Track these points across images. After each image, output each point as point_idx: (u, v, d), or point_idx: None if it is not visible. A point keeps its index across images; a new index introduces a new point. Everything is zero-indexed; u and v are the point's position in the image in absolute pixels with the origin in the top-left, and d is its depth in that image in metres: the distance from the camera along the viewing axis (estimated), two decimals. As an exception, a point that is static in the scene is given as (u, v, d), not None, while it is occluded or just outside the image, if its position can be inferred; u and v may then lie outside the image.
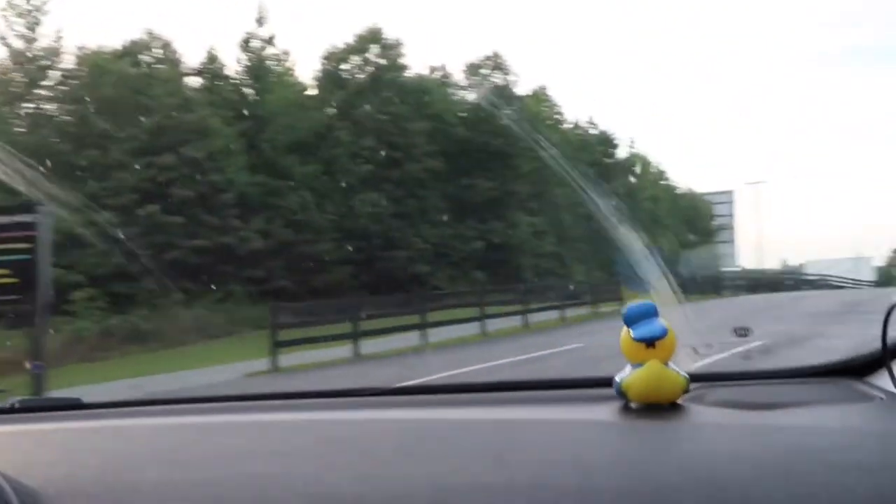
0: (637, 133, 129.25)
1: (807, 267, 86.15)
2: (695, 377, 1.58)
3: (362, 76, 38.07)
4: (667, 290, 2.09)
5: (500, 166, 43.05)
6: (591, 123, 52.09)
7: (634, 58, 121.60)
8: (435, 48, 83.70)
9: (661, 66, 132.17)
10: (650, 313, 1.52)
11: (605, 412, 1.52)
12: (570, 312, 24.86)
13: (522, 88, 47.22)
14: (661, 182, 60.05)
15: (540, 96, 49.29)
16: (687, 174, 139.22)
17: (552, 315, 23.83)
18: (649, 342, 1.50)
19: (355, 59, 38.35)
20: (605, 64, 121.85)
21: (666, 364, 1.51)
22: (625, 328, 1.53)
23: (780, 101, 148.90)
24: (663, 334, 1.50)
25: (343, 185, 36.17)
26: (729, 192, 64.91)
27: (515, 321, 21.99)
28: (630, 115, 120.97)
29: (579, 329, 20.51)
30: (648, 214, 53.62)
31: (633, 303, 1.55)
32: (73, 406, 2.00)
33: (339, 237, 34.97)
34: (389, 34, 38.88)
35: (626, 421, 1.49)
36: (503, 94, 43.50)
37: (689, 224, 59.26)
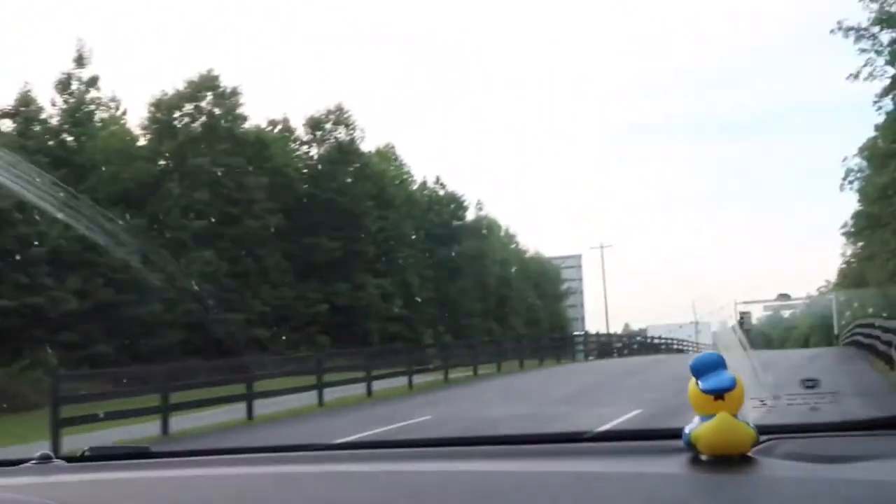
0: (486, 196, 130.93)
1: (649, 331, 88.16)
2: (763, 429, 1.58)
3: (196, 125, 35.48)
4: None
5: (346, 225, 41.14)
6: (440, 184, 50.83)
7: (484, 121, 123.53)
8: (276, 99, 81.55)
9: (511, 130, 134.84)
10: (717, 365, 1.53)
11: (675, 464, 1.53)
12: (419, 379, 22.88)
13: (368, 145, 45.49)
14: (511, 246, 59.33)
15: (386, 154, 47.71)
16: (535, 238, 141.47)
17: (400, 382, 21.77)
18: (718, 394, 1.50)
19: (188, 107, 35.75)
20: (456, 125, 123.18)
21: (735, 416, 1.50)
22: (692, 379, 1.53)
23: (620, 169, 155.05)
24: (732, 386, 1.50)
25: (173, 241, 33.33)
26: (577, 257, 65.07)
27: (359, 389, 19.82)
28: (479, 177, 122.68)
29: (427, 398, 18.52)
30: (498, 277, 52.56)
31: (701, 354, 1.55)
32: (143, 454, 2.06)
33: (169, 298, 32.07)
34: (226, 81, 36.54)
35: (697, 473, 1.50)
36: (347, 149, 41.66)
37: (538, 287, 58.56)
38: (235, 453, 2.03)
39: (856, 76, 49.96)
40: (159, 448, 2.11)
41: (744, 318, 56.00)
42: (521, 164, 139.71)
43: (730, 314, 69.59)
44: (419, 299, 47.26)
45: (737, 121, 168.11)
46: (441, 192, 50.71)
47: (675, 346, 64.29)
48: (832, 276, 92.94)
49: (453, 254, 48.60)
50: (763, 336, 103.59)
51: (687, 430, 1.54)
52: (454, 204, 50.93)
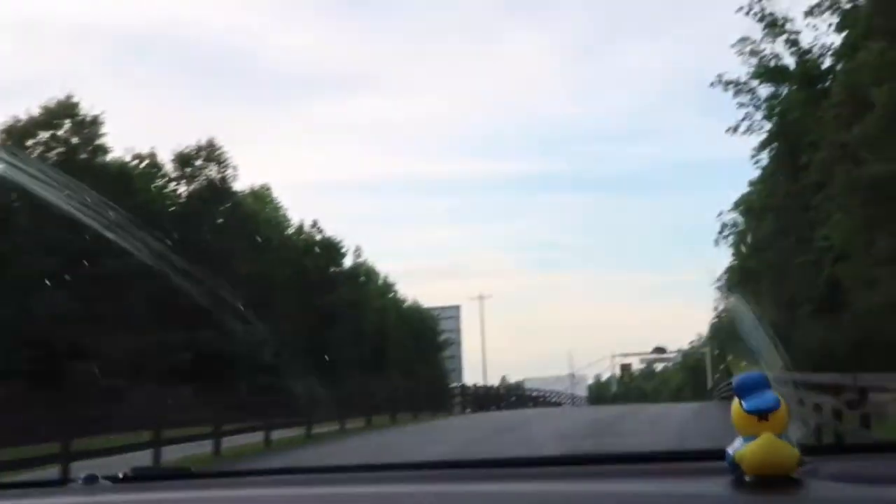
0: (365, 242, 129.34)
1: (527, 384, 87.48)
2: (807, 450, 1.56)
3: (51, 155, 32.89)
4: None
5: (215, 268, 38.89)
6: (317, 228, 49.01)
7: (362, 167, 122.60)
8: (142, 132, 78.33)
9: (389, 177, 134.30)
10: (761, 384, 1.53)
11: (719, 486, 1.52)
12: (279, 434, 21.00)
13: (242, 184, 43.43)
14: (389, 294, 57.79)
15: (261, 195, 45.70)
16: (414, 288, 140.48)
17: (255, 438, 19.85)
18: (762, 414, 1.49)
19: (43, 135, 33.17)
20: (333, 170, 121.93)
21: (779, 436, 1.50)
22: (735, 399, 1.53)
23: (499, 221, 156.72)
24: (776, 406, 1.50)
25: (19, 280, 30.60)
26: (455, 307, 63.84)
27: (205, 446, 17.82)
28: (357, 224, 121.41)
29: (285, 457, 16.71)
30: (374, 326, 50.88)
31: (744, 373, 1.55)
32: (185, 475, 2.11)
33: (10, 343, 29.36)
34: (86, 108, 34.12)
35: (742, 495, 1.49)
36: (218, 188, 39.56)
37: (416, 338, 57.08)
38: (280, 473, 2.05)
39: (734, 129, 50.82)
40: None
41: (624, 373, 55.96)
42: (399, 212, 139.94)
43: (606, 367, 69.37)
44: (292, 348, 45.17)
45: (615, 176, 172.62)
46: (318, 237, 48.91)
47: (553, 400, 63.57)
48: (704, 330, 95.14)
49: (329, 301, 46.73)
50: (638, 390, 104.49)
51: (730, 451, 1.54)
52: (331, 249, 49.18)
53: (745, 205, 64.84)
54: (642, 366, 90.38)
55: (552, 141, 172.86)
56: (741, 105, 49.19)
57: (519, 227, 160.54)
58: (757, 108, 49.44)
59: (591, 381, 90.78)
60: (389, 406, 33.97)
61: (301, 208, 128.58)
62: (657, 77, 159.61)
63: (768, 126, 49.03)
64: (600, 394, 79.90)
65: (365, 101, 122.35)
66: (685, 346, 77.15)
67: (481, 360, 71.95)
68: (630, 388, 61.82)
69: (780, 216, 47.58)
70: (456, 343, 62.37)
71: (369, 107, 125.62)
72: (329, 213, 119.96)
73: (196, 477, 2.07)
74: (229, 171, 40.61)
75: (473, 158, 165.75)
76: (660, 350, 64.24)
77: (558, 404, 64.21)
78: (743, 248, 62.61)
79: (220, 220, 40.22)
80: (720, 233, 70.87)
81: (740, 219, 67.49)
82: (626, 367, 55.97)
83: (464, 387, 60.28)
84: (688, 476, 1.64)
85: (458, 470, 1.93)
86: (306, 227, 48.63)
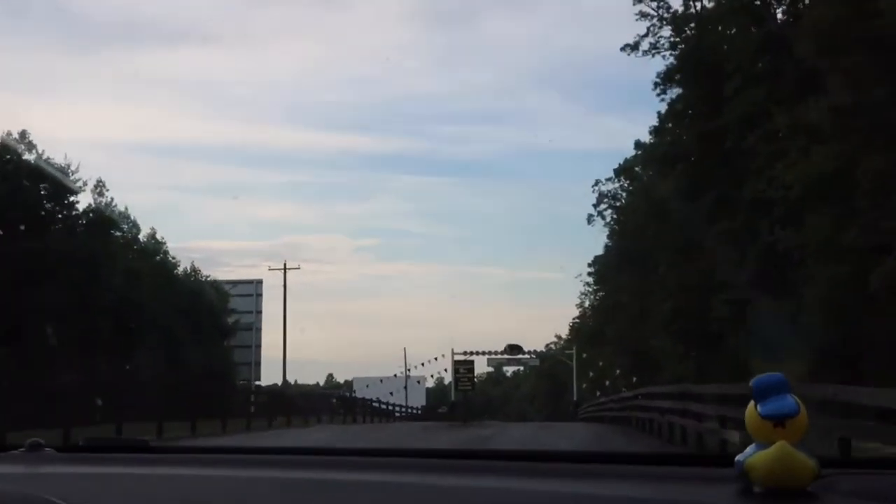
0: (177, 215, 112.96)
1: (356, 384, 73.30)
2: (825, 462, 1.47)
3: None
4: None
5: None
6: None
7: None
8: None
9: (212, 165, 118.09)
10: (781, 388, 1.43)
11: (724, 495, 1.45)
12: None
13: None
14: (157, 256, 42.63)
15: None
16: (238, 272, 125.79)
17: None
18: (778, 420, 1.40)
19: None
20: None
21: (796, 446, 1.39)
22: (751, 403, 1.43)
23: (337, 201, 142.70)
24: (795, 412, 1.40)
25: None
26: (255, 283, 48.75)
27: None
28: (173, 194, 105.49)
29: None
30: (120, 292, 35.69)
31: (763, 375, 1.45)
32: (140, 448, 1.99)
33: None
34: None
35: None
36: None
37: (190, 315, 41.93)
38: (238, 453, 2.05)
39: (633, 47, 37.83)
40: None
41: (460, 374, 41.74)
42: (225, 183, 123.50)
43: (447, 366, 56.03)
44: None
45: (476, 159, 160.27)
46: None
47: (385, 407, 49.58)
48: (563, 330, 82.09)
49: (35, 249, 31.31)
50: (483, 396, 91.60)
51: (740, 458, 1.44)
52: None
53: (625, 172, 52.64)
54: (489, 369, 76.76)
55: (410, 118, 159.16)
56: (643, 16, 36.47)
57: (364, 210, 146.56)
58: (664, 20, 36.81)
59: (431, 383, 77.03)
60: (147, 410, 23.37)
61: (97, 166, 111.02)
62: (524, 57, 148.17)
63: (677, 49, 36.57)
64: (436, 401, 66.92)
65: (192, 56, 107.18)
66: (541, 347, 64.26)
67: (293, 352, 56.03)
68: (471, 393, 47.99)
69: (693, 168, 35.04)
70: (251, 329, 47.20)
71: (197, 63, 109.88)
72: (137, 177, 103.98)
73: (153, 451, 1.97)
74: None
75: (318, 132, 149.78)
76: (514, 349, 50.86)
77: (392, 415, 50.32)
78: (623, 225, 50.28)
79: None
80: (596, 206, 58.18)
81: (619, 188, 55.37)
82: (462, 366, 41.98)
83: (258, 387, 45.38)
84: (692, 482, 1.56)
85: (407, 460, 1.90)
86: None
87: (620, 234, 49.74)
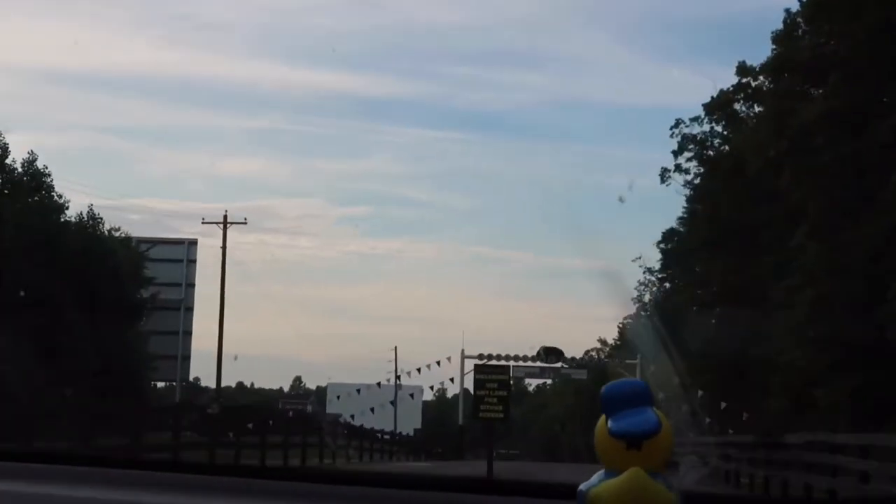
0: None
1: (330, 391, 60.00)
2: (691, 497, 1.30)
3: None
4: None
5: None
6: None
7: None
8: None
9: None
10: (640, 398, 1.16)
11: None
12: None
13: None
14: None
15: None
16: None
17: None
18: (633, 440, 1.13)
19: None
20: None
21: (653, 474, 1.14)
22: (602, 417, 1.18)
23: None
24: (654, 430, 1.14)
25: None
26: (187, 244, 34.97)
27: None
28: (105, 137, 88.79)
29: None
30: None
31: (618, 381, 1.21)
32: None
33: None
34: None
35: None
36: None
37: (85, 281, 28.46)
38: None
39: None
40: None
41: (484, 388, 28.72)
42: (180, 127, 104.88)
43: (454, 374, 42.36)
44: None
45: (492, 111, 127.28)
46: None
47: (374, 432, 35.05)
48: (608, 333, 65.83)
49: None
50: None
51: (583, 488, 1.22)
52: None
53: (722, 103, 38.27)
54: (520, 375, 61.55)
55: (412, 55, 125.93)
56: None
57: (352, 169, 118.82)
58: None
59: (431, 394, 61.60)
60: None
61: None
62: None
63: None
64: (438, 425, 52.90)
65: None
66: (579, 354, 49.67)
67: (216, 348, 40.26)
68: (500, 424, 33.31)
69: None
70: (186, 309, 33.40)
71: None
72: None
73: None
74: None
75: (296, 67, 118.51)
76: (552, 354, 36.80)
77: (375, 439, 35.95)
78: (707, 188, 36.08)
79: None
80: (677, 155, 42.74)
81: (707, 128, 40.59)
82: (487, 373, 27.34)
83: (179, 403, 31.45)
84: None
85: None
86: None
87: (709, 197, 35.43)
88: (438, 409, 66.22)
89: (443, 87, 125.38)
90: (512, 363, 39.66)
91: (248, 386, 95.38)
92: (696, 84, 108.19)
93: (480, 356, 39.47)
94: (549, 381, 63.54)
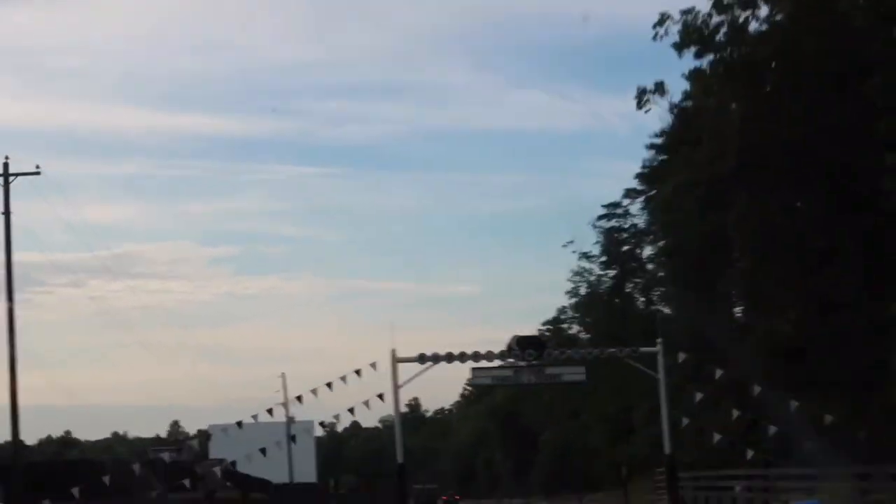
0: None
1: (213, 434, 47.85)
2: None
3: None
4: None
5: None
6: None
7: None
8: None
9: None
10: None
11: None
12: None
13: None
14: None
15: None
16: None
17: None
18: None
19: None
20: None
21: None
22: None
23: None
24: None
25: None
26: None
27: None
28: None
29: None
30: None
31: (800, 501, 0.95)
32: None
33: None
34: None
35: None
36: None
37: None
38: None
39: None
40: None
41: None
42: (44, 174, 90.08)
43: (384, 390, 29.14)
44: None
45: (359, 144, 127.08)
46: None
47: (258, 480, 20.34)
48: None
49: None
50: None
51: None
52: None
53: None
54: (484, 382, 47.43)
55: (275, 92, 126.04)
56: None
57: (223, 209, 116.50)
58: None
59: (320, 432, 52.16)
60: None
61: None
62: (419, 16, 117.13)
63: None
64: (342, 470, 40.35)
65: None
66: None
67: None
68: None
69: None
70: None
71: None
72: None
73: None
74: None
75: (158, 111, 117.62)
76: (532, 346, 23.84)
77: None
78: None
79: None
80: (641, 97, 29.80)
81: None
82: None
83: None
84: None
85: None
86: None
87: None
88: (332, 446, 55.66)
89: (308, 123, 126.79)
90: (470, 363, 26.66)
91: (122, 435, 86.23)
92: (556, 107, 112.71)
93: (422, 357, 26.39)
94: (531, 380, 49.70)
